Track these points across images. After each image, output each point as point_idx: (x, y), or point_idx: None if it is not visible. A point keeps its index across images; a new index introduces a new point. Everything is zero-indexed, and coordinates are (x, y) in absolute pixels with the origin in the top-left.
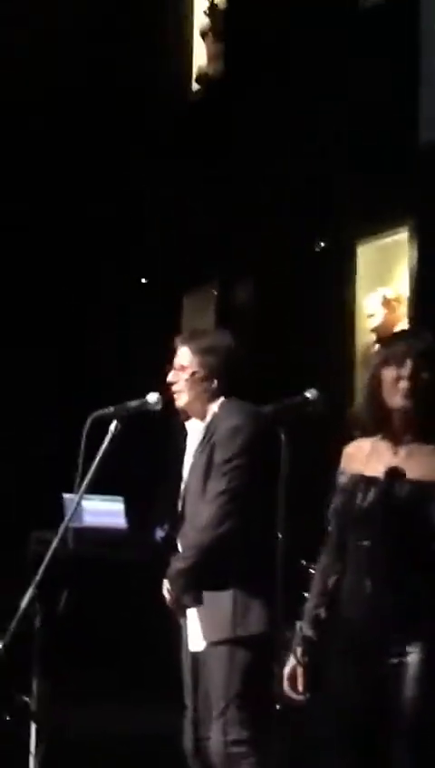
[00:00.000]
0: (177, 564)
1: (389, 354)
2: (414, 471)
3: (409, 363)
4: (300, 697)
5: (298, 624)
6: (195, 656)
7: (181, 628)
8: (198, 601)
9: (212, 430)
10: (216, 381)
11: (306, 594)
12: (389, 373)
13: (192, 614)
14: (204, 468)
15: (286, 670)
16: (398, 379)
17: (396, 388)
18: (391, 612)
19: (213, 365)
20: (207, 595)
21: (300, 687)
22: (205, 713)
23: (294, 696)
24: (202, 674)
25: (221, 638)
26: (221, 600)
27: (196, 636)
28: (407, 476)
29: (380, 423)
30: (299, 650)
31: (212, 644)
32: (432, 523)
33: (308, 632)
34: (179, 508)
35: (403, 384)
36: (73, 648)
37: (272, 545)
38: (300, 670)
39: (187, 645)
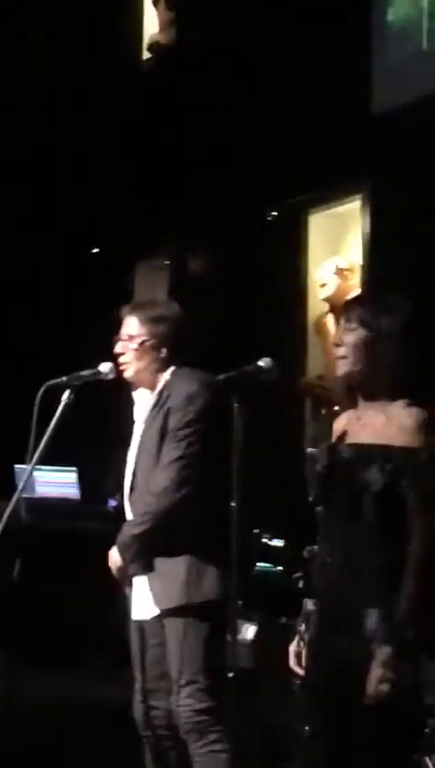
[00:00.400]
0: (131, 530)
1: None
2: (362, 435)
3: (339, 331)
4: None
5: (305, 600)
6: (141, 625)
7: (127, 598)
8: (148, 569)
9: (164, 398)
10: (165, 350)
11: (259, 563)
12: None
13: (140, 582)
14: (157, 435)
15: (292, 647)
16: (336, 347)
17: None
18: (346, 580)
19: (162, 333)
20: (159, 561)
21: (305, 663)
22: (154, 682)
23: (299, 671)
24: (148, 643)
25: (176, 605)
26: (175, 567)
27: (143, 604)
28: (355, 441)
29: (347, 392)
30: (303, 626)
31: (167, 612)
32: (372, 488)
33: (311, 607)
34: (130, 476)
35: (337, 352)
36: (26, 618)
37: (226, 513)
38: (304, 645)
39: (131, 614)
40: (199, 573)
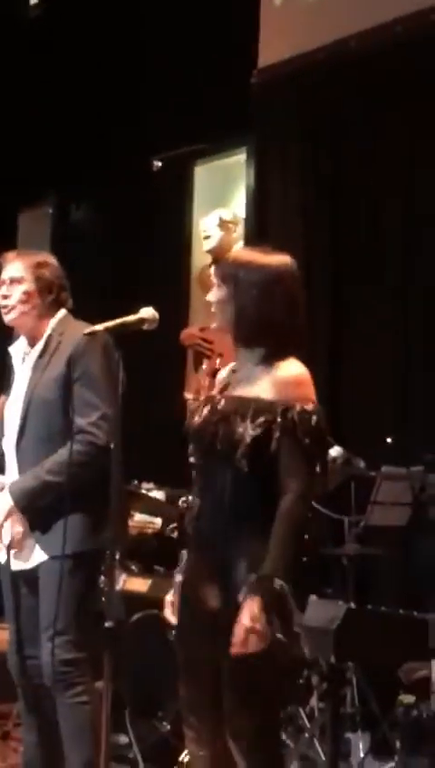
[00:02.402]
0: (46, 478)
1: None
2: (238, 389)
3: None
4: None
5: (182, 552)
6: (15, 573)
7: None
8: (35, 520)
9: (55, 344)
10: (50, 296)
11: (134, 513)
12: None
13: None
14: (55, 383)
15: (168, 597)
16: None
17: None
18: (215, 531)
19: (47, 279)
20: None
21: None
22: (29, 631)
23: (174, 621)
24: (22, 592)
25: (52, 555)
26: (53, 517)
27: (20, 554)
28: (232, 394)
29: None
30: (179, 577)
31: (43, 562)
32: (245, 440)
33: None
34: (17, 424)
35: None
36: None
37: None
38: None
39: (6, 564)
40: (75, 523)
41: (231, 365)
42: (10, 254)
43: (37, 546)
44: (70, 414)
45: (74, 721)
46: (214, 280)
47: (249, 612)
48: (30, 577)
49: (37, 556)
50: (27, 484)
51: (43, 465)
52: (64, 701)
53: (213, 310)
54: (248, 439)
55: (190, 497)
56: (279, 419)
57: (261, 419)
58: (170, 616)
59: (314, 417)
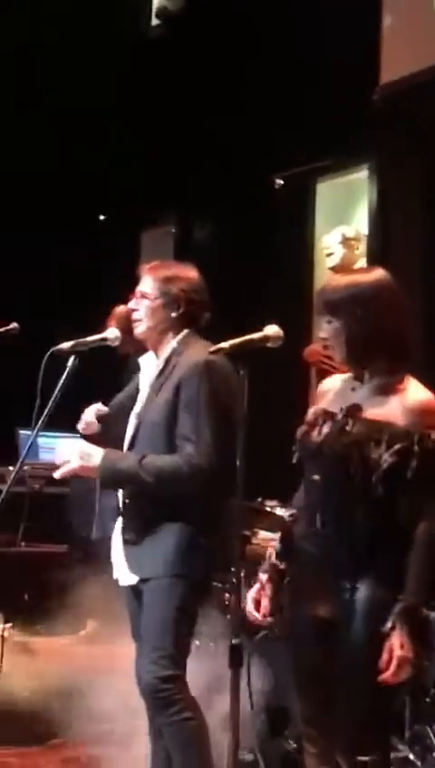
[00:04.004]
0: (139, 471)
1: None
2: (370, 411)
3: (321, 319)
4: (264, 620)
5: (268, 551)
6: (128, 589)
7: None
8: (140, 536)
9: (172, 366)
10: (175, 311)
11: (261, 532)
12: None
13: (127, 548)
14: (166, 406)
15: (251, 592)
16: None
17: None
18: (340, 549)
19: (173, 294)
20: (147, 529)
21: (263, 611)
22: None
23: (257, 617)
24: (134, 608)
25: (159, 575)
26: (165, 537)
27: (127, 571)
28: (363, 415)
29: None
30: (265, 576)
31: (149, 580)
32: (371, 463)
33: (275, 560)
34: (128, 442)
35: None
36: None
37: (227, 483)
38: (264, 594)
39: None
40: (189, 547)
41: (341, 376)
42: (144, 267)
43: (144, 565)
44: (174, 438)
45: (179, 739)
46: (320, 315)
47: (399, 641)
48: (138, 593)
49: (140, 574)
50: (120, 465)
51: (142, 459)
52: (166, 720)
53: (330, 345)
54: (385, 465)
55: (295, 510)
56: (416, 448)
57: (397, 446)
58: (253, 611)
59: None
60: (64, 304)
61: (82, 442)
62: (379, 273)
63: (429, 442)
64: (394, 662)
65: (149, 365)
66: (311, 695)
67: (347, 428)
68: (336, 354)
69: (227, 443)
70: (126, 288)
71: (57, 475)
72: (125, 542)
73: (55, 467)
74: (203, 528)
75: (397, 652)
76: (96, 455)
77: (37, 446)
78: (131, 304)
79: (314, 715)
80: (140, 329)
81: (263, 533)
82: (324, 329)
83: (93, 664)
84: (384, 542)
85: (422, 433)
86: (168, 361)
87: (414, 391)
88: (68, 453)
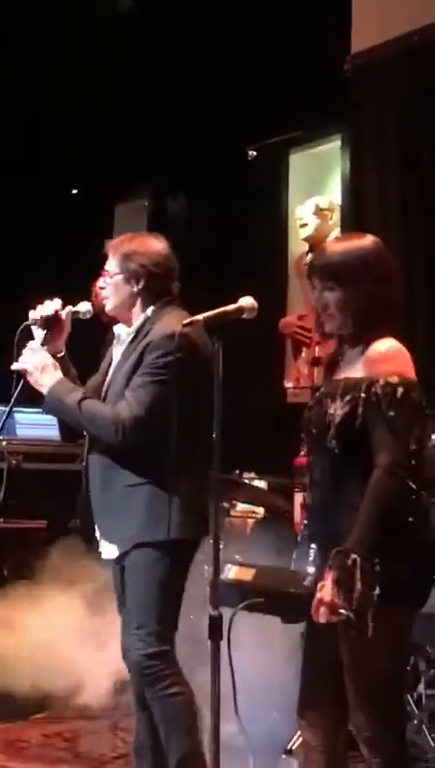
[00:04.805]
0: (78, 410)
1: None
2: (338, 373)
3: (314, 285)
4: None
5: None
6: (112, 562)
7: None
8: (112, 504)
9: (143, 334)
10: (137, 286)
11: (239, 504)
12: None
13: (102, 522)
14: (130, 369)
15: (308, 580)
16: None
17: None
18: (323, 525)
19: (132, 269)
20: (117, 495)
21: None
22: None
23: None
24: (119, 581)
25: (137, 542)
26: (136, 500)
27: (108, 544)
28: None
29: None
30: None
31: (127, 550)
32: (328, 420)
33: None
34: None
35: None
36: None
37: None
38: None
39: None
40: (161, 509)
41: (336, 349)
42: (109, 243)
43: (119, 534)
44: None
45: (167, 714)
46: (322, 283)
47: (322, 584)
48: (122, 567)
49: (120, 544)
50: (65, 398)
51: (83, 400)
52: (154, 695)
53: (330, 313)
54: (337, 419)
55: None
56: (363, 395)
57: (348, 397)
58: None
59: (400, 389)
60: (37, 278)
61: (49, 358)
62: (373, 238)
63: (377, 386)
64: (314, 603)
65: (121, 333)
66: (315, 674)
67: (317, 396)
68: (333, 323)
69: (166, 410)
70: (99, 262)
71: (13, 367)
72: (99, 513)
73: (34, 443)
74: (175, 493)
75: (317, 595)
76: (50, 377)
77: (14, 422)
78: (99, 282)
79: (315, 695)
80: (108, 306)
81: (241, 506)
82: (324, 297)
83: (76, 638)
84: (353, 505)
85: (371, 379)
86: (139, 331)
87: (377, 344)
88: (31, 358)
